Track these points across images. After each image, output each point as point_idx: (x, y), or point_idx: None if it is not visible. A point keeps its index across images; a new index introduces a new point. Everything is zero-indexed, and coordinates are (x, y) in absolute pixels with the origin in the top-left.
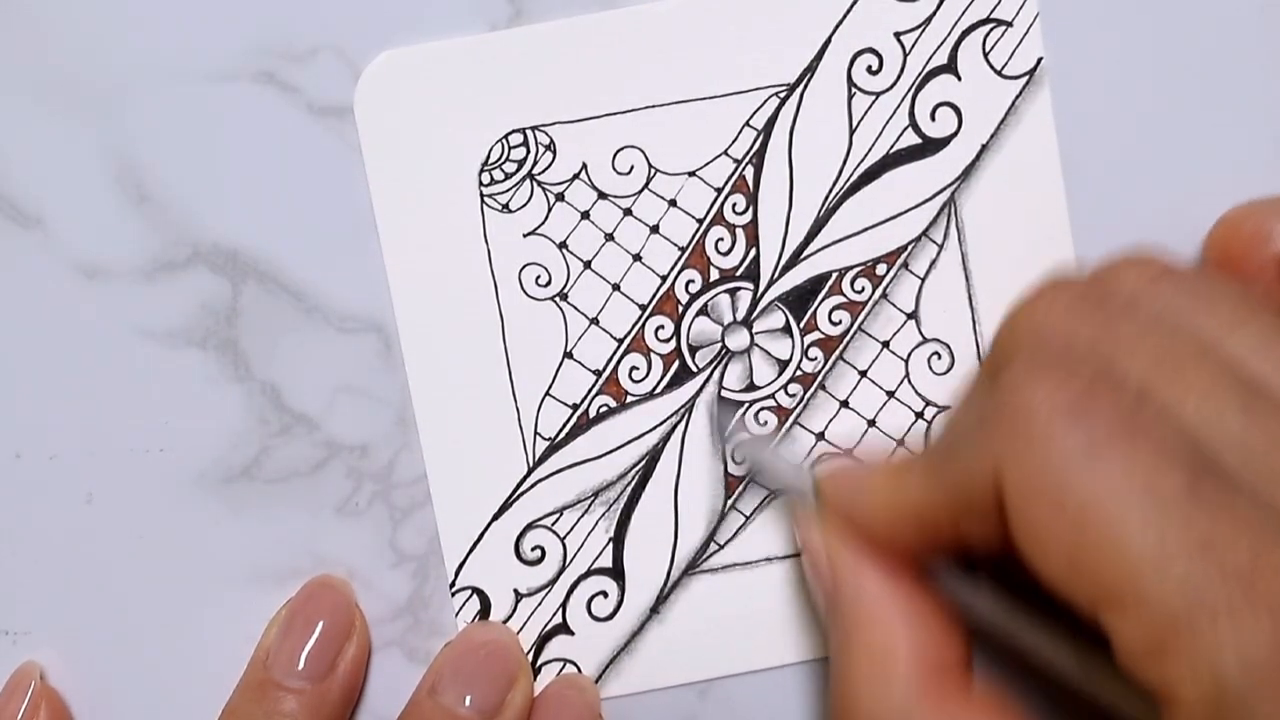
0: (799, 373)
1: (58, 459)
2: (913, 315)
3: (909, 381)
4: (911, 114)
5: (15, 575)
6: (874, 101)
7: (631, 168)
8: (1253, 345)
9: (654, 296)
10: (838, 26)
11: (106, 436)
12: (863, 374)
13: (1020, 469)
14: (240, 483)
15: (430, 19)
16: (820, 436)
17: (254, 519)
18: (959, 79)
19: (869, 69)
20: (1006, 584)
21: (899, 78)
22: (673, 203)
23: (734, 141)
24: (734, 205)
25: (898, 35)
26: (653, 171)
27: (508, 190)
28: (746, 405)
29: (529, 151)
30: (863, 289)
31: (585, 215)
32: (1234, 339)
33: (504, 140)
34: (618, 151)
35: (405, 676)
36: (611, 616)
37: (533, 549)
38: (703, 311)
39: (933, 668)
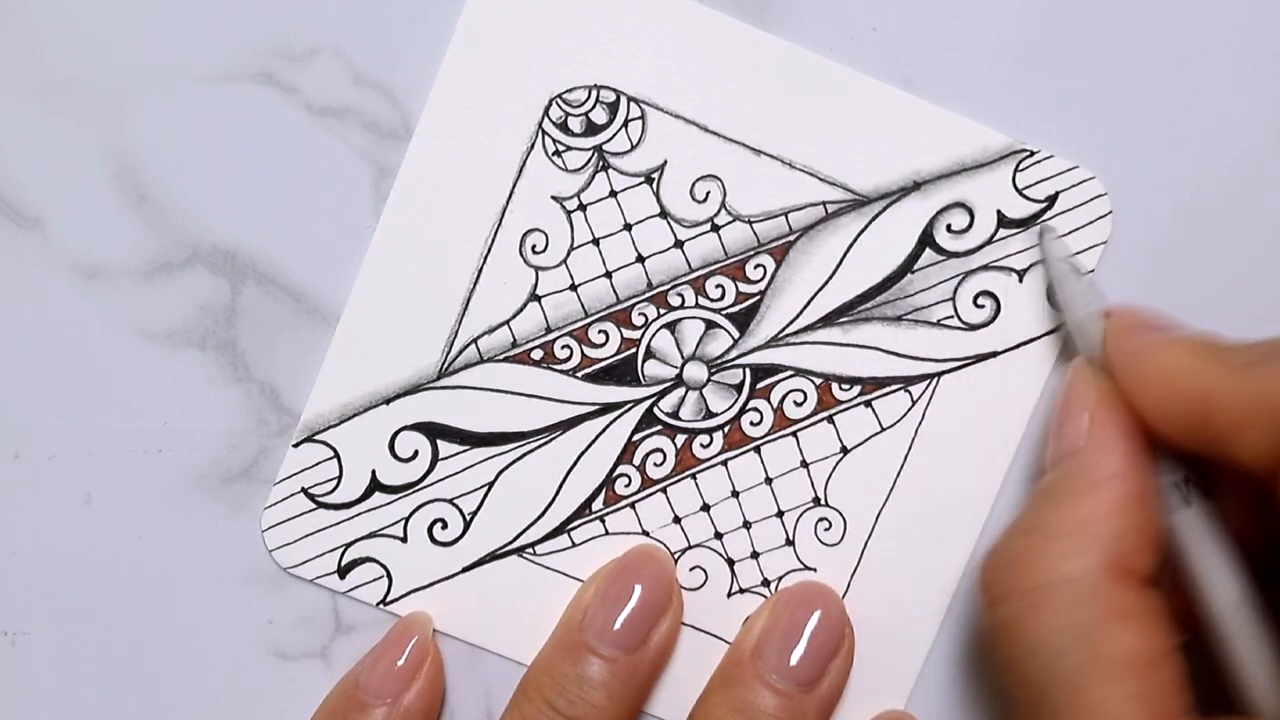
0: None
1: (57, 459)
2: (845, 450)
3: (816, 491)
4: (957, 290)
5: (14, 576)
6: (943, 261)
7: (708, 194)
8: None
9: (634, 295)
10: (959, 174)
11: (105, 437)
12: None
13: None
14: (239, 483)
15: (428, 21)
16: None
17: (253, 519)
18: (1020, 281)
19: (949, 227)
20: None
21: (981, 247)
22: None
23: (800, 210)
24: (760, 264)
25: (1000, 214)
26: (722, 203)
27: (570, 140)
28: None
29: (612, 117)
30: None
31: (614, 194)
32: None
33: (596, 89)
34: (697, 180)
35: None
36: (451, 544)
37: (410, 450)
38: (674, 329)
39: (1129, 550)
